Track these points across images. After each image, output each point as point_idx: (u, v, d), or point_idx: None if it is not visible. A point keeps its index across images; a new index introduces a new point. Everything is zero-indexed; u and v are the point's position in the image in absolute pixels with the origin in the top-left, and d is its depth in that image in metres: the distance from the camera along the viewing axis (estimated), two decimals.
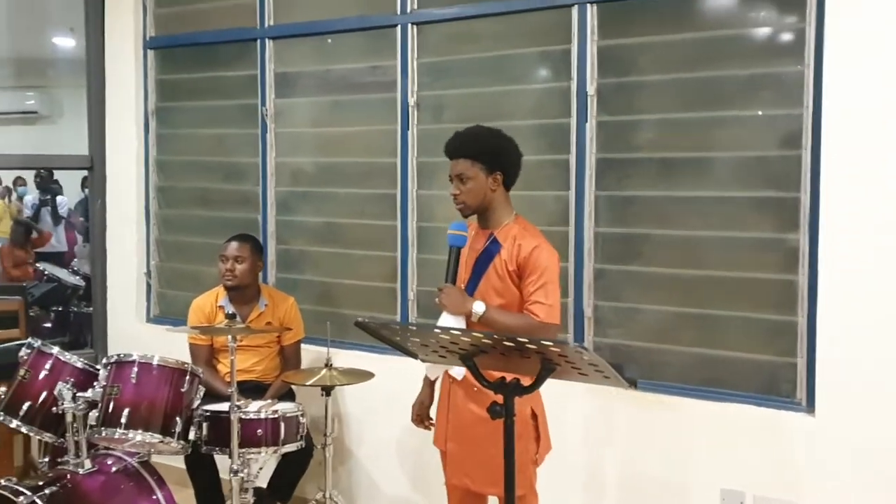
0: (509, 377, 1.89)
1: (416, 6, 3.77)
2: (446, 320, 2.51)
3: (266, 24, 4.18)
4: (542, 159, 3.52)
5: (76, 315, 6.23)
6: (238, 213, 4.34)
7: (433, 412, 2.86)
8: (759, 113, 3.10)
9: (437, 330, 1.86)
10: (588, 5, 3.35)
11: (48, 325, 6.23)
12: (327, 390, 3.31)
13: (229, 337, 3.04)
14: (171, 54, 4.57)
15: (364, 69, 3.96)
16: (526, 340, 1.67)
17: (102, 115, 4.69)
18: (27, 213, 9.24)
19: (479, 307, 2.50)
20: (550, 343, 1.65)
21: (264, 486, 3.64)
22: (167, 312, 4.61)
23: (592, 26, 3.35)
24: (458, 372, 2.52)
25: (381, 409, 3.79)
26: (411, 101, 3.77)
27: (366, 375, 3.30)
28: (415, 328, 1.86)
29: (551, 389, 2.62)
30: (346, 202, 4.04)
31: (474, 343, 1.78)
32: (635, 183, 3.34)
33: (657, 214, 3.30)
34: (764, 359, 3.09)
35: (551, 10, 3.44)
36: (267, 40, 4.17)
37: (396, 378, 3.50)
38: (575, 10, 3.37)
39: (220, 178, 4.45)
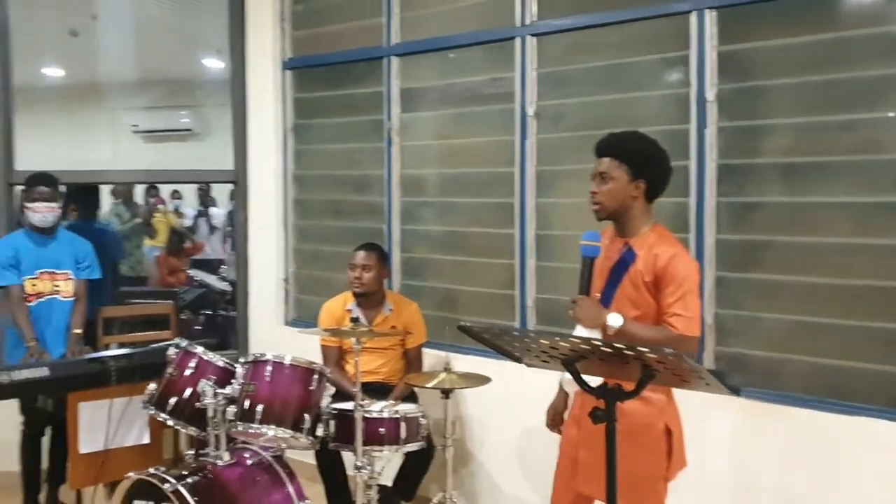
0: (611, 382, 1.93)
1: (534, 18, 3.84)
2: (580, 333, 2.39)
3: (392, 43, 4.37)
4: None
5: (223, 318, 6.66)
6: (366, 222, 4.55)
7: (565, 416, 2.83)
8: (891, 115, 2.98)
9: (533, 335, 1.93)
10: (707, 11, 3.32)
11: (198, 327, 6.70)
12: (446, 393, 3.42)
13: (353, 339, 3.21)
14: (307, 74, 4.85)
15: (484, 81, 4.07)
16: (623, 346, 1.71)
17: (245, 132, 5.02)
18: (188, 223, 9.90)
19: (615, 320, 2.37)
20: (647, 349, 1.68)
21: (390, 484, 3.80)
22: (303, 316, 4.88)
23: (711, 32, 3.32)
24: (593, 381, 2.50)
25: (501, 414, 3.87)
26: (530, 111, 3.84)
27: (482, 380, 3.40)
28: (516, 333, 1.93)
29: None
30: (467, 211, 4.16)
31: (573, 348, 1.83)
32: (757, 189, 3.28)
33: (780, 221, 3.22)
34: (894, 371, 2.96)
35: (669, 17, 3.44)
36: (392, 58, 4.37)
37: (514, 383, 3.58)
38: (693, 17, 3.35)
39: (350, 190, 4.68)
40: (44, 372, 3.52)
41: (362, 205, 4.60)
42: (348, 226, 4.64)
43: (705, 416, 3.23)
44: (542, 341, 1.88)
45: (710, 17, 3.32)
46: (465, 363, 3.68)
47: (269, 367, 3.17)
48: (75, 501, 3.95)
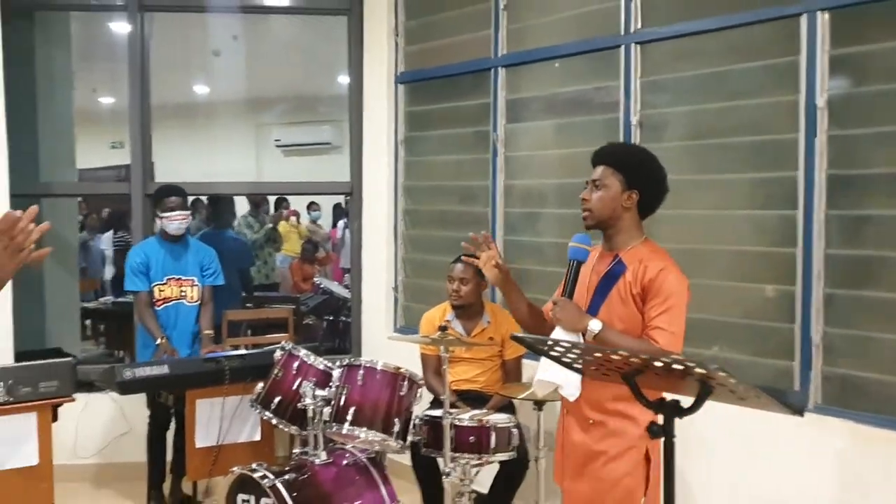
0: (669, 397, 1.88)
1: (639, 26, 3.78)
2: (559, 336, 2.39)
3: (499, 54, 4.41)
4: (768, 177, 3.37)
5: (344, 324, 6.90)
6: (471, 233, 4.58)
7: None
8: None
9: (582, 346, 1.91)
10: (818, 13, 3.16)
11: (321, 332, 6.98)
12: (539, 404, 3.41)
13: (441, 348, 3.26)
14: (418, 87, 4.96)
15: (588, 91, 4.04)
16: (669, 360, 1.67)
17: (361, 145, 5.20)
18: (339, 235, 10.26)
19: (594, 325, 2.35)
20: (694, 363, 1.63)
21: (486, 492, 3.82)
22: (411, 323, 4.98)
23: (823, 35, 3.16)
24: (571, 393, 2.44)
25: None
26: (634, 120, 3.78)
27: None
28: (568, 345, 1.91)
29: (755, 417, 2.49)
30: (569, 222, 4.11)
31: (625, 362, 1.80)
32: (871, 201, 3.09)
33: None
34: None
35: (778, 20, 3.30)
36: (500, 69, 4.40)
37: None
38: (804, 20, 3.20)
39: (456, 201, 4.75)
40: (164, 369, 3.81)
41: (468, 215, 4.66)
42: (454, 236, 4.70)
43: (811, 439, 3.06)
44: (595, 354, 1.86)
45: (822, 19, 3.16)
46: None
47: (361, 372, 3.28)
48: (193, 492, 4.23)
